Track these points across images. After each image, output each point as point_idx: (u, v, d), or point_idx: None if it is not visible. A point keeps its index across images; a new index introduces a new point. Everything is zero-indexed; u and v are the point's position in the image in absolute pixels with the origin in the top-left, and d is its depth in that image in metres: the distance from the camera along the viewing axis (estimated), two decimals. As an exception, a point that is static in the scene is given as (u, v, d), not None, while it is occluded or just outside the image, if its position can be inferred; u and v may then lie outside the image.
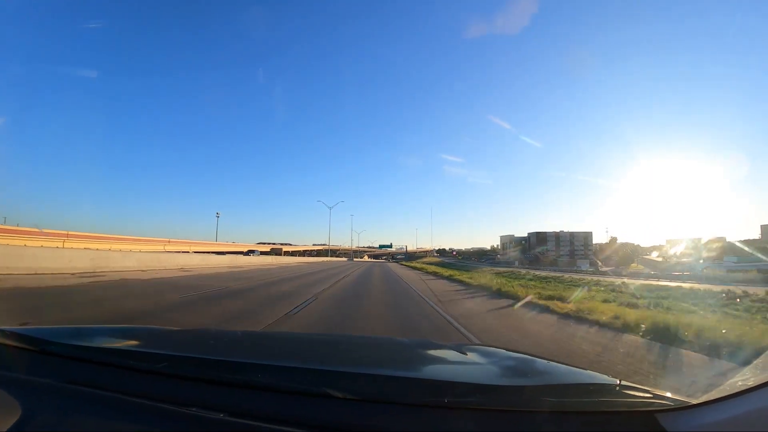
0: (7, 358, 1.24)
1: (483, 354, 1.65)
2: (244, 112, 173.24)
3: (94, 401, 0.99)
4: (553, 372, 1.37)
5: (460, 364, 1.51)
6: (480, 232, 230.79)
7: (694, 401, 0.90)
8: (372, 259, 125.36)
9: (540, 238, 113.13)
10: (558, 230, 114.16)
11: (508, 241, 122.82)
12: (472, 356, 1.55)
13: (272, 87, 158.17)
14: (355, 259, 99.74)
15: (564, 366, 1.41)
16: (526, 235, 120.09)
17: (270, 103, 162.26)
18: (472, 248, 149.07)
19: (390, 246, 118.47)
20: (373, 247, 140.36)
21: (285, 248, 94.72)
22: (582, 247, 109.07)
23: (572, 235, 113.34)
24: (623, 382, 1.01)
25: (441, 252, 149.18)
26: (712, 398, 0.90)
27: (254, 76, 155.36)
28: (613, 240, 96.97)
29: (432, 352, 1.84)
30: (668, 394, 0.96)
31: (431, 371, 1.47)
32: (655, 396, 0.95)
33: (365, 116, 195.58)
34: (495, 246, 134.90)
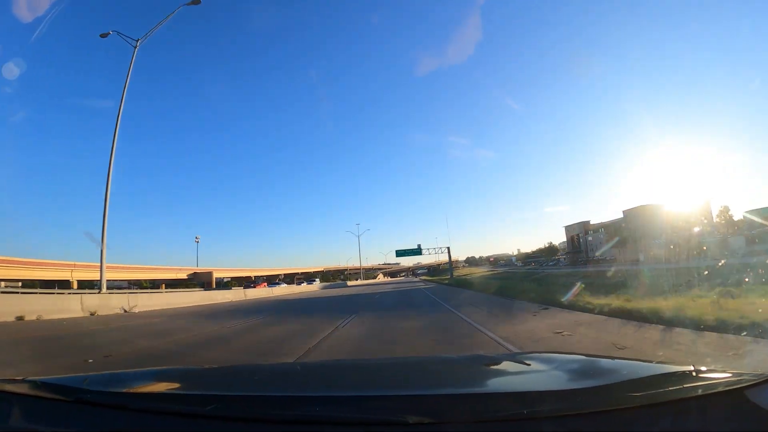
0: (41, 410, 1.15)
1: (543, 361, 1.60)
2: (235, 128, 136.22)
3: None
4: (625, 368, 1.31)
5: (524, 373, 1.43)
6: (499, 237, 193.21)
7: None
8: (389, 278, 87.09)
9: (647, 213, 69.79)
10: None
11: (582, 231, 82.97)
12: (533, 365, 1.50)
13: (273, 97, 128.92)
14: (351, 284, 60.57)
15: (631, 361, 1.35)
16: (620, 216, 75.64)
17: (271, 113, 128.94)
18: (503, 254, 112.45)
19: (418, 251, 54.96)
20: (390, 264, 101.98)
21: (220, 273, 56.83)
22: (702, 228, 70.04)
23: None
24: (698, 367, 1.00)
25: (469, 261, 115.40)
26: None
27: (250, 88, 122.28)
28: (725, 210, 58.27)
29: (490, 365, 1.69)
30: (746, 371, 0.96)
31: (500, 384, 1.38)
32: (735, 374, 0.95)
33: (373, 118, 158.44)
34: (553, 244, 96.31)
